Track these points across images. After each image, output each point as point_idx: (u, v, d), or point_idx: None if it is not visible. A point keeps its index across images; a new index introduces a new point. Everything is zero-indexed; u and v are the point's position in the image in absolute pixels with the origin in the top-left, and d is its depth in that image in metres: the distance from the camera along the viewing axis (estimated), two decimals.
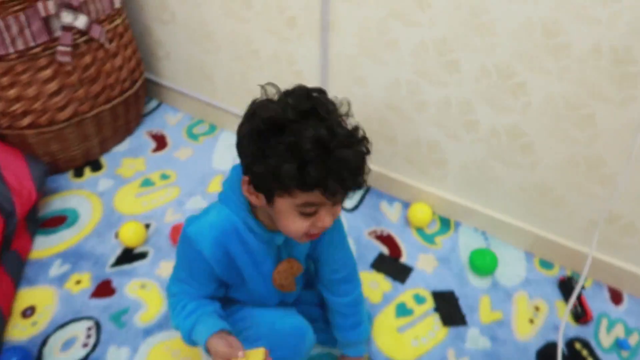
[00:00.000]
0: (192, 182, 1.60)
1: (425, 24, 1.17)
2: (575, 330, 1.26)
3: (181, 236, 0.89)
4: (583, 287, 1.35)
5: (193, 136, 1.77)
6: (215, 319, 0.88)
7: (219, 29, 1.55)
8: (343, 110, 0.78)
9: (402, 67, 1.28)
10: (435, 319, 1.27)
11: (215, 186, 1.59)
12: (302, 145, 0.69)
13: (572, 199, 1.27)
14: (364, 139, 0.76)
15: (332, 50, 1.37)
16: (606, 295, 1.35)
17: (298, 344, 0.96)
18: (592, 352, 1.22)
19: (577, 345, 1.23)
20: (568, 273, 1.39)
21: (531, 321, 1.28)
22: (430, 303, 1.30)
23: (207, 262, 0.86)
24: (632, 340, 1.25)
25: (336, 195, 0.73)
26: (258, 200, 0.79)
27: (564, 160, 1.21)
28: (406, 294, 1.32)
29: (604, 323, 1.28)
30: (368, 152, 0.76)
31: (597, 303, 1.32)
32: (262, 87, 0.79)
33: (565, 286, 1.34)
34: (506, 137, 1.25)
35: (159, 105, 1.90)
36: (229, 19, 1.49)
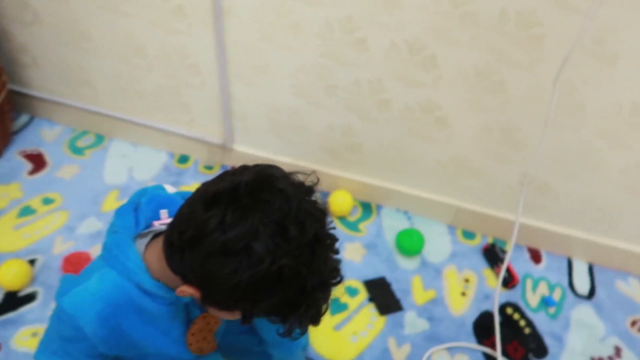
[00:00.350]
0: (83, 203, 1.40)
1: (329, 3, 1.10)
2: (504, 295, 1.29)
3: (56, 308, 0.72)
4: (504, 252, 1.39)
5: (77, 150, 1.55)
6: None
7: (94, 26, 1.35)
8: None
9: (308, 50, 1.20)
10: (371, 309, 1.23)
11: (111, 204, 1.41)
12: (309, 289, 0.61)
13: (489, 167, 1.28)
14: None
15: (229, 39, 1.25)
16: (526, 256, 1.40)
17: None
18: (522, 314, 1.25)
19: (509, 310, 1.26)
20: (490, 240, 1.42)
21: (463, 294, 1.28)
22: (363, 294, 1.26)
23: (89, 341, 0.69)
24: (556, 296, 1.30)
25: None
26: (189, 291, 0.63)
27: (478, 130, 1.22)
28: (338, 288, 1.26)
29: (529, 284, 1.32)
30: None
31: (520, 265, 1.36)
32: None
33: (490, 254, 1.36)
34: (420, 112, 1.22)
35: (31, 120, 1.64)
36: (105, 13, 1.31)
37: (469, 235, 1.43)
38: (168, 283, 0.68)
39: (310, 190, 0.65)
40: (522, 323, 1.22)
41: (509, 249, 1.17)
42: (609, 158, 1.18)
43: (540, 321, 1.23)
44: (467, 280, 1.31)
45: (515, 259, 1.37)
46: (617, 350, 1.20)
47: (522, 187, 1.10)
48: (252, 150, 1.48)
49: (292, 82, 1.28)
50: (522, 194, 1.08)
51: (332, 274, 0.64)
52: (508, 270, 1.30)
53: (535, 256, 1.39)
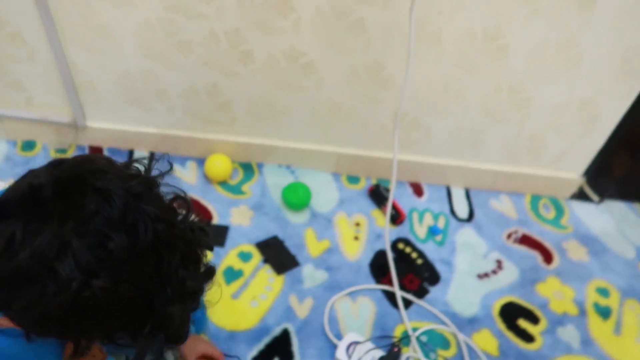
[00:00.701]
0: None
1: None
2: (394, 232, 1.31)
3: None
4: (388, 190, 1.41)
5: None
6: None
7: None
8: None
9: (149, 3, 1.06)
10: (267, 271, 1.18)
11: None
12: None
13: (361, 109, 1.27)
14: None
15: None
16: (409, 190, 1.44)
17: None
18: (413, 246, 1.29)
19: (400, 245, 1.29)
20: (374, 182, 1.43)
21: (356, 238, 1.28)
22: (257, 256, 1.21)
23: None
24: (441, 224, 1.36)
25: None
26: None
27: (346, 73, 1.19)
28: (230, 256, 1.20)
29: (415, 217, 1.36)
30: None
31: (405, 200, 1.39)
32: None
33: (375, 194, 1.37)
34: (285, 61, 1.16)
35: None
36: None
37: (353, 179, 1.42)
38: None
39: (148, 183, 0.53)
40: (414, 255, 1.26)
41: (392, 186, 1.18)
42: (470, 85, 1.22)
43: (430, 250, 1.28)
44: (357, 224, 1.31)
45: (399, 196, 1.40)
46: (499, 263, 1.29)
47: (395, 125, 1.09)
48: (108, 124, 1.32)
49: (138, 41, 1.13)
50: (396, 132, 1.08)
51: (185, 284, 0.52)
52: (394, 207, 1.32)
53: (417, 190, 1.44)
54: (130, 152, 1.37)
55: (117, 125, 1.32)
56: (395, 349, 1.01)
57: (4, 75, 1.21)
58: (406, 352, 1.06)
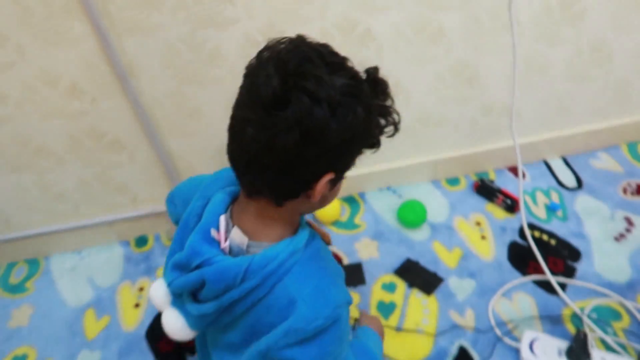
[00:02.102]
0: (62, 342, 1.17)
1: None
2: (516, 220, 1.30)
3: (320, 330, 0.64)
4: (492, 181, 1.41)
5: (16, 288, 1.30)
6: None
7: None
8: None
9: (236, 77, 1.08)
10: (417, 295, 1.17)
11: (93, 326, 1.20)
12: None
13: (451, 112, 1.27)
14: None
15: (145, 98, 1.08)
16: (510, 175, 1.43)
17: None
18: (541, 229, 1.28)
19: (529, 232, 1.27)
20: (473, 177, 1.43)
21: (483, 237, 1.28)
22: (401, 284, 1.19)
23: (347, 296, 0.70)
24: (555, 198, 1.35)
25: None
26: (319, 199, 0.65)
27: (431, 81, 1.19)
28: (375, 291, 1.19)
29: (528, 200, 1.35)
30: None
31: (511, 186, 1.38)
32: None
33: (483, 189, 1.37)
34: None
35: None
36: None
37: (453, 181, 1.42)
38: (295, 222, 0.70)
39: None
40: (546, 237, 1.25)
41: (519, 175, 1.17)
42: (551, 56, 1.21)
43: (557, 228, 1.27)
44: (478, 224, 1.31)
45: (504, 183, 1.39)
46: (628, 220, 1.27)
47: (511, 115, 1.09)
48: None
49: (229, 113, 1.15)
50: (513, 122, 1.09)
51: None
52: (508, 197, 1.32)
53: (517, 173, 1.43)
54: None
55: None
56: (582, 335, 0.99)
57: (108, 182, 1.24)
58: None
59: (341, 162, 0.63)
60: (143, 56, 1.02)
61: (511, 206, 1.31)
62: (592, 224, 1.27)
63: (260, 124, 0.57)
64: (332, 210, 1.33)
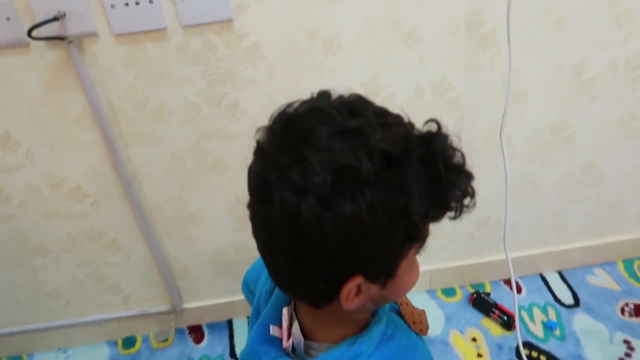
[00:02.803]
0: None
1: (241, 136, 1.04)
2: (512, 338, 1.27)
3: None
4: (488, 294, 1.39)
5: None
6: None
7: None
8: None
9: (237, 184, 1.11)
10: None
11: None
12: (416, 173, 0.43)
13: (445, 226, 1.28)
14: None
15: (147, 203, 1.11)
16: (506, 289, 1.41)
17: None
18: (538, 349, 1.24)
19: (526, 351, 1.24)
20: (469, 289, 1.41)
21: (479, 355, 1.24)
22: None
23: None
24: (552, 315, 1.33)
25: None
26: (364, 298, 0.49)
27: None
28: None
29: (525, 316, 1.33)
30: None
31: (507, 300, 1.37)
32: None
33: (479, 303, 1.35)
34: None
35: None
36: None
37: (449, 292, 1.41)
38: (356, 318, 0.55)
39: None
40: (543, 358, 1.22)
41: (515, 300, 1.16)
42: (544, 176, 1.25)
43: (555, 348, 1.24)
44: (474, 340, 1.27)
45: (500, 297, 1.38)
46: (628, 344, 1.24)
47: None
48: (204, 301, 1.32)
49: (231, 218, 1.17)
50: (505, 237, 1.10)
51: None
52: (505, 312, 1.30)
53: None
54: (229, 322, 1.35)
55: (212, 300, 1.31)
56: None
57: (102, 281, 1.23)
58: None
59: (368, 263, 0.47)
60: (148, 164, 1.06)
61: (508, 322, 1.29)
62: (591, 346, 1.24)
63: (253, 219, 0.49)
64: None
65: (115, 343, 1.33)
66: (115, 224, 1.13)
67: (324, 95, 0.47)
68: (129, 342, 1.33)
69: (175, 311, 1.29)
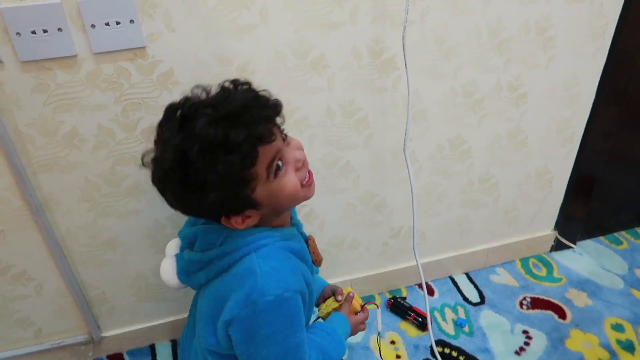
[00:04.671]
0: None
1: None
2: (426, 338, 1.37)
3: (263, 309, 0.72)
4: (405, 298, 1.48)
5: None
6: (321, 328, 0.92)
7: None
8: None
9: (158, 206, 1.11)
10: None
11: None
12: (207, 139, 0.66)
13: (362, 236, 1.36)
14: (235, 82, 0.75)
15: (60, 230, 1.08)
16: (421, 292, 1.51)
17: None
18: (450, 345, 1.34)
19: (439, 349, 1.34)
20: (386, 295, 1.50)
21: (398, 357, 1.32)
22: None
23: (299, 301, 0.76)
24: (462, 314, 1.44)
25: (271, 132, 0.71)
26: (253, 217, 0.77)
27: (343, 209, 1.29)
28: None
29: (438, 316, 1.43)
30: (248, 83, 0.75)
31: (421, 303, 1.46)
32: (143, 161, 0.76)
33: (396, 307, 1.43)
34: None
35: None
36: None
37: (368, 299, 1.48)
38: (282, 223, 0.84)
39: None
40: (455, 354, 1.32)
41: (426, 302, 1.25)
42: (447, 186, 1.36)
43: (465, 343, 1.35)
44: (393, 342, 1.35)
45: (415, 300, 1.47)
46: (526, 334, 1.37)
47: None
48: (124, 328, 1.29)
49: (149, 242, 1.16)
50: (415, 242, 1.18)
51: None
52: (419, 314, 1.39)
53: (428, 289, 1.52)
54: (152, 348, 1.33)
55: (133, 326, 1.29)
56: None
57: (9, 316, 1.17)
58: None
59: (213, 210, 0.74)
60: (59, 191, 1.03)
61: (422, 324, 1.38)
62: (495, 338, 1.36)
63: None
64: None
65: None
66: (24, 254, 1.09)
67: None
68: None
69: (93, 341, 1.25)
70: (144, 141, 1.01)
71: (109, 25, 0.86)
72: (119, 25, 0.87)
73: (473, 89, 1.19)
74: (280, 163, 0.74)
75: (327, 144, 1.16)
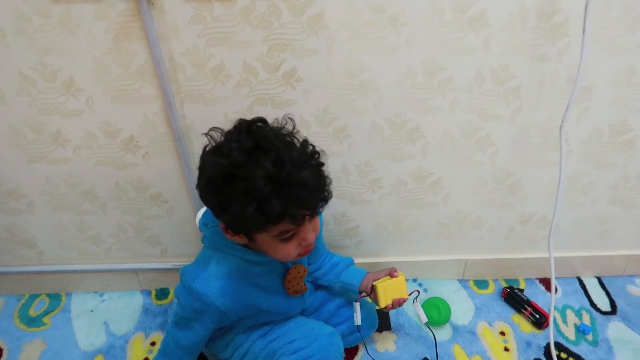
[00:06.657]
0: None
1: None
2: (543, 337, 1.26)
3: (185, 290, 0.90)
4: (522, 290, 1.37)
5: (34, 321, 1.32)
6: None
7: (24, 182, 1.17)
8: (289, 128, 0.82)
9: None
10: None
11: None
12: (254, 186, 0.72)
13: (488, 216, 1.27)
14: (315, 153, 0.80)
15: (195, 160, 1.13)
16: (541, 287, 1.39)
17: (336, 343, 1.03)
18: (568, 350, 1.22)
19: (556, 352, 1.22)
20: (502, 283, 1.40)
21: (506, 349, 1.23)
22: None
23: (219, 313, 0.89)
24: (586, 320, 1.30)
25: (304, 218, 0.78)
26: (242, 239, 0.85)
27: (473, 184, 1.20)
28: None
29: (557, 316, 1.31)
30: (322, 164, 0.80)
31: (540, 299, 1.35)
32: (207, 134, 0.84)
33: (511, 298, 1.33)
34: (413, 182, 1.18)
35: None
36: (34, 164, 1.13)
37: (481, 284, 1.39)
38: (261, 249, 0.88)
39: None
40: None
41: (552, 302, 1.14)
42: (597, 178, 1.21)
43: (586, 352, 1.21)
44: (502, 334, 1.26)
45: (534, 295, 1.36)
46: None
47: (551, 226, 1.08)
48: None
49: None
50: (551, 231, 1.07)
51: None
52: (538, 310, 1.28)
53: (549, 285, 1.39)
54: None
55: None
56: None
57: (142, 232, 1.27)
58: None
59: (216, 216, 0.83)
60: (200, 122, 1.07)
61: (539, 321, 1.27)
62: (623, 355, 1.21)
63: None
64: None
65: (149, 293, 1.38)
66: (162, 177, 1.16)
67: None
68: (162, 293, 1.37)
69: None
70: (284, 84, 1.01)
71: None
72: None
73: None
74: (291, 236, 0.82)
75: (470, 112, 1.07)
